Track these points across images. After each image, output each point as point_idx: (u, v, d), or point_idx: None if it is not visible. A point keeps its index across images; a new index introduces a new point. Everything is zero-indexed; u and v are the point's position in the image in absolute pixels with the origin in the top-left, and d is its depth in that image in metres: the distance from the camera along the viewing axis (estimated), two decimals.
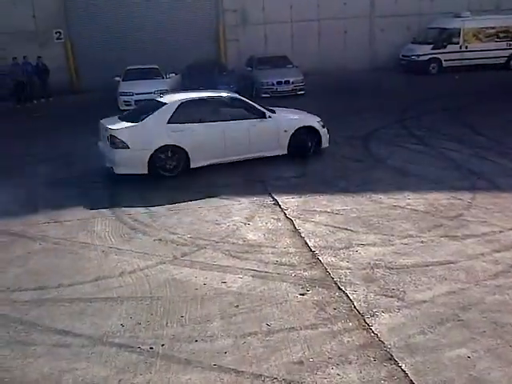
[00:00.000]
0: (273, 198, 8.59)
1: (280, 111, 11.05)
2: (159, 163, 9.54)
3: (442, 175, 9.56)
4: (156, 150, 9.42)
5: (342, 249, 6.69)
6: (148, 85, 17.42)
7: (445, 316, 5.22)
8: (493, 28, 23.34)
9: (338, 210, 7.99)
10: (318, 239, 6.98)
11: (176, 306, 5.55)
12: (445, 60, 22.79)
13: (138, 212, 8.27)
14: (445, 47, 22.86)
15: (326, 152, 11.15)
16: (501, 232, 7.10)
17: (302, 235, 7.11)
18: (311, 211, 7.97)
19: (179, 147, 9.58)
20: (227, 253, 6.68)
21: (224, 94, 10.82)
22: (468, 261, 6.33)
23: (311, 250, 6.66)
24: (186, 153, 9.65)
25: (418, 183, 9.12)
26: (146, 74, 18.29)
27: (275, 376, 4.44)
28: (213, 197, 8.76)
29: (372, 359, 4.63)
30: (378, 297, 5.59)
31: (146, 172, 9.47)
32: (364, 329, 5.06)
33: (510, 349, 4.71)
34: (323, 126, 10.94)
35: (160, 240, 7.20)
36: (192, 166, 9.79)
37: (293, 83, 18.81)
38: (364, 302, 5.48)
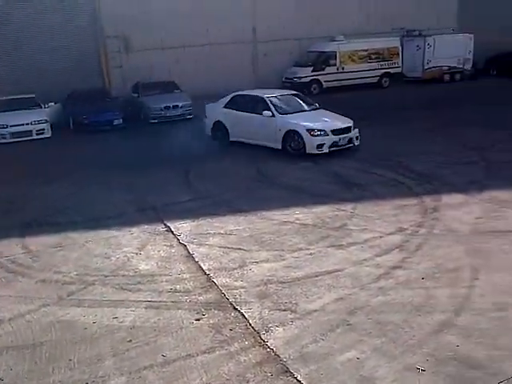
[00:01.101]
0: (165, 224, 8.53)
1: (310, 113, 13.62)
2: (214, 131, 14.64)
3: (328, 189, 10.07)
4: (215, 122, 14.57)
5: (236, 269, 6.80)
6: (24, 116, 16.66)
7: (335, 322, 5.48)
8: (365, 50, 25.16)
9: (231, 231, 8.12)
10: (212, 262, 7.04)
11: (63, 349, 5.26)
12: (324, 81, 24.15)
13: (17, 253, 7.77)
14: (323, 69, 24.23)
15: (225, 172, 11.46)
16: (381, 237, 7.60)
17: (196, 259, 7.13)
18: (205, 234, 8.03)
19: (223, 123, 14.31)
20: (118, 286, 6.50)
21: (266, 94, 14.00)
22: (353, 267, 6.71)
23: (206, 274, 6.70)
24: (227, 128, 14.19)
25: (306, 198, 9.52)
26: (21, 104, 17.35)
27: None
28: (102, 229, 8.52)
29: (269, 374, 4.72)
30: (272, 312, 5.73)
31: (210, 134, 14.83)
32: (260, 345, 5.16)
33: (394, 345, 5.04)
34: (319, 134, 12.41)
35: (43, 281, 6.78)
36: (230, 139, 14.16)
37: (181, 108, 18.91)
38: (259, 319, 5.60)
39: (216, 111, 14.65)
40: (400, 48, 25.86)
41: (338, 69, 24.49)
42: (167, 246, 7.68)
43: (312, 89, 23.91)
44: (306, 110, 13.64)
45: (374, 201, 9.20)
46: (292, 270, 6.72)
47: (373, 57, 25.36)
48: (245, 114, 13.71)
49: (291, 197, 9.72)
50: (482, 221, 8.10)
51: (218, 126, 14.47)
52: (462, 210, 8.57)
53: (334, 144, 12.50)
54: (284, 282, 6.39)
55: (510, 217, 8.23)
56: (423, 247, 7.22)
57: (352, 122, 12.95)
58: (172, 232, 8.19)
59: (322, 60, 24.35)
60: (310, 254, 7.17)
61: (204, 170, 11.97)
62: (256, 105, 13.54)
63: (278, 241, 7.67)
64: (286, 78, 24.64)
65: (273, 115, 13.04)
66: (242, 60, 25.18)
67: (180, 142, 13.87)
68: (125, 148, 14.78)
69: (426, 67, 25.98)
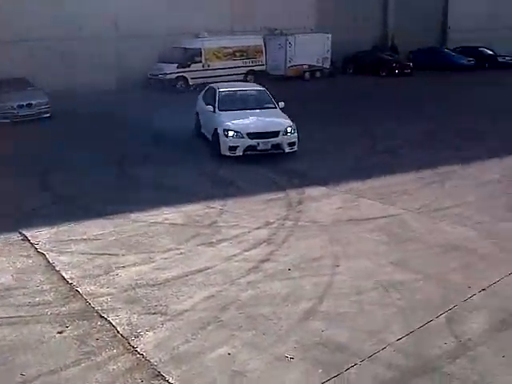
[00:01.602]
0: (20, 233, 7.83)
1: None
2: (196, 121, 14.51)
3: (197, 187, 10.03)
4: (196, 112, 14.53)
5: (102, 275, 6.50)
6: None
7: (206, 320, 5.48)
8: (230, 48, 25.48)
9: (96, 236, 7.75)
10: (75, 270, 6.64)
11: None
12: (191, 78, 24.02)
13: None
14: (189, 66, 24.10)
15: (86, 173, 10.84)
16: (249, 232, 7.76)
17: (57, 268, 6.69)
18: (66, 241, 7.55)
19: (198, 114, 14.24)
20: None
21: None
22: (223, 263, 6.76)
23: (68, 283, 6.31)
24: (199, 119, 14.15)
25: (175, 198, 9.38)
26: None
27: None
28: None
29: (139, 380, 4.59)
30: (141, 316, 5.57)
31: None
32: (129, 352, 4.99)
33: (264, 337, 5.16)
34: (233, 136, 11.68)
35: None
36: (201, 130, 13.81)
37: (36, 106, 17.57)
38: (128, 325, 5.41)
39: (198, 102, 14.39)
40: (263, 46, 26.58)
41: (203, 66, 24.50)
42: (24, 256, 7.08)
43: (178, 85, 23.71)
44: (256, 108, 12.76)
45: (242, 197, 9.35)
46: (162, 271, 6.59)
47: (237, 54, 25.75)
48: (205, 106, 13.24)
49: (159, 197, 9.51)
50: (341, 211, 8.61)
51: (197, 117, 14.23)
52: (323, 202, 9.05)
53: (250, 148, 11.60)
54: (153, 285, 6.24)
55: (363, 206, 8.84)
56: (289, 239, 7.49)
57: (288, 126, 11.90)
58: (29, 241, 7.55)
59: (188, 57, 24.20)
60: (180, 253, 7.10)
61: (64, 173, 11.19)
62: (213, 97, 13.14)
63: (146, 243, 7.48)
64: (151, 75, 24.14)
65: (214, 110, 12.60)
66: (104, 56, 24.19)
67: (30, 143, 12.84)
68: None
69: (288, 65, 27.01)
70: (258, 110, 12.66)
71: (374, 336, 5.12)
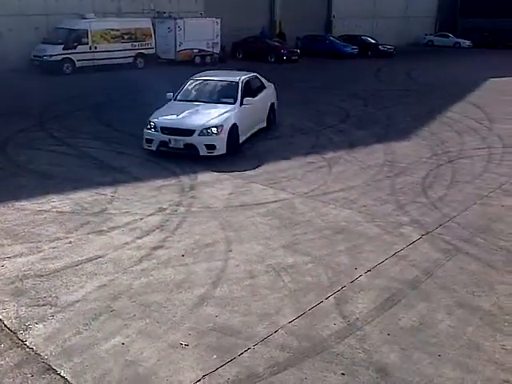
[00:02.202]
0: None
1: None
2: None
3: (85, 174, 9.69)
4: None
5: None
6: None
7: (98, 310, 5.38)
8: (117, 30, 24.58)
9: None
10: None
11: None
12: (77, 60, 22.90)
13: None
14: (75, 47, 22.94)
15: None
16: (141, 219, 7.68)
17: None
18: None
19: None
20: None
21: None
22: (115, 252, 6.65)
23: None
24: None
25: (62, 185, 9.02)
26: None
27: None
28: None
29: (29, 375, 4.44)
30: (29, 309, 5.36)
31: None
32: (18, 346, 4.80)
33: (158, 325, 5.18)
34: (150, 128, 10.87)
35: None
36: None
37: None
38: (15, 318, 5.19)
39: None
40: (152, 29, 26.00)
41: (90, 48, 23.45)
42: None
43: (64, 68, 22.53)
44: (211, 102, 11.61)
45: (133, 183, 9.19)
46: (50, 261, 6.35)
47: (125, 37, 24.93)
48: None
49: (46, 184, 9.08)
50: (233, 196, 8.78)
51: None
52: (215, 187, 9.16)
53: (163, 144, 10.59)
54: (42, 276, 6.00)
55: (255, 191, 9.07)
56: (182, 225, 7.53)
57: (212, 126, 10.55)
58: None
59: (73, 38, 22.98)
60: (70, 242, 6.87)
61: None
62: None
63: (33, 232, 7.14)
64: (35, 56, 22.66)
65: (171, 99, 12.03)
66: None
67: None
68: None
69: (178, 49, 26.69)
70: (210, 104, 11.52)
71: (267, 319, 5.29)
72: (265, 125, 13.00)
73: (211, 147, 10.49)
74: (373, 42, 35.54)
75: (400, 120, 14.96)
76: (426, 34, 45.84)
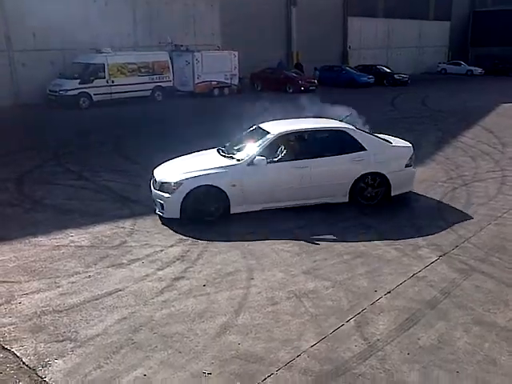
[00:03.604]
0: None
1: None
2: None
3: (103, 207, 9.69)
4: None
5: (3, 304, 6.09)
6: None
7: (119, 343, 5.30)
8: (134, 64, 25.07)
9: None
10: None
11: None
12: (94, 94, 23.32)
13: None
14: (92, 81, 23.38)
15: None
16: (162, 251, 7.62)
17: None
18: None
19: None
20: None
21: None
22: (135, 284, 6.58)
23: None
24: None
25: (80, 219, 9.00)
26: None
27: None
28: None
29: None
30: (48, 345, 5.29)
31: None
32: (36, 383, 4.70)
33: (180, 355, 5.09)
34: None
35: None
36: None
37: None
38: (34, 355, 5.12)
39: None
40: (170, 62, 26.46)
41: (107, 81, 23.92)
42: None
43: (81, 102, 22.95)
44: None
45: (153, 215, 9.08)
46: (69, 296, 6.28)
47: (143, 70, 25.40)
48: None
49: (63, 219, 9.05)
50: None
51: None
52: (235, 218, 9.03)
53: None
54: (61, 311, 5.94)
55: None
56: (203, 255, 7.44)
57: (167, 182, 8.65)
58: None
59: (90, 72, 23.51)
60: (89, 276, 6.81)
61: None
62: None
63: (50, 267, 7.09)
64: (51, 91, 23.17)
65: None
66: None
67: None
68: None
69: (196, 81, 27.07)
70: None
71: (289, 345, 5.22)
72: (343, 199, 9.31)
73: (162, 207, 8.73)
74: (388, 71, 35.96)
75: (416, 146, 14.82)
76: (439, 63, 46.32)
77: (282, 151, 8.99)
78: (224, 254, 7.46)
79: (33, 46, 23.73)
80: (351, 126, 9.72)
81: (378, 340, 5.32)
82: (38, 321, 5.73)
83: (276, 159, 8.87)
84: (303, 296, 6.20)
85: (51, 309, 5.99)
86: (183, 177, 8.59)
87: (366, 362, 4.96)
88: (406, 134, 16.37)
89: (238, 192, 8.65)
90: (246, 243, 7.82)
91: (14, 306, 6.04)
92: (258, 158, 8.69)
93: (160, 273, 6.90)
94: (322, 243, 7.80)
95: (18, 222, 8.88)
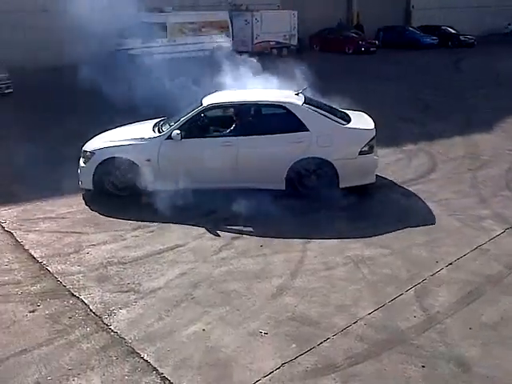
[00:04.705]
0: None
1: None
2: None
3: None
4: None
5: (72, 253, 6.44)
6: None
7: (179, 297, 5.50)
8: (194, 23, 25.06)
9: (64, 214, 7.61)
10: (44, 248, 6.55)
11: None
12: (156, 53, 23.54)
13: None
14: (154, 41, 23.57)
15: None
16: None
17: (26, 247, 6.58)
18: (34, 220, 7.41)
19: None
20: None
21: None
22: (194, 241, 6.76)
23: (38, 262, 6.22)
24: None
25: None
26: None
27: None
28: None
29: (114, 358, 4.60)
30: (114, 294, 5.56)
31: None
32: (103, 330, 4.98)
33: (238, 312, 5.23)
34: None
35: None
36: None
37: None
38: (100, 303, 5.39)
39: None
40: (229, 22, 26.26)
41: (169, 41, 24.10)
42: None
43: (145, 60, 23.21)
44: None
45: None
46: (133, 249, 6.55)
47: (203, 30, 25.39)
48: None
49: None
50: None
51: None
52: None
53: None
54: (125, 263, 6.22)
55: None
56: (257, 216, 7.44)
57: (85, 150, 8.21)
58: None
59: (153, 31, 23.66)
60: (151, 231, 7.04)
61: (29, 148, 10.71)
62: None
63: (114, 221, 7.34)
64: (117, 50, 23.52)
65: None
66: (69, 30, 23.31)
67: None
68: None
69: (255, 42, 26.81)
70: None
71: (345, 311, 5.23)
72: (279, 186, 7.89)
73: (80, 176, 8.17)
74: (453, 32, 34.10)
75: (481, 112, 14.21)
76: (508, 24, 43.21)
77: (208, 126, 8.18)
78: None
79: (98, 6, 24.01)
80: (297, 101, 8.09)
81: (438, 312, 5.20)
82: (104, 271, 6.03)
83: (194, 134, 7.92)
84: (360, 262, 6.17)
85: (116, 260, 6.28)
86: (99, 146, 8.09)
87: (424, 333, 4.87)
88: (471, 99, 15.78)
89: (154, 168, 7.79)
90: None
91: (82, 256, 6.37)
92: (174, 132, 7.75)
93: (218, 232, 7.02)
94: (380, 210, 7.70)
95: None
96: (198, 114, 8.03)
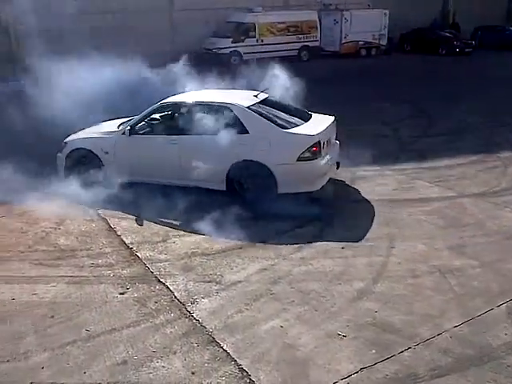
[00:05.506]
0: None
1: None
2: None
3: None
4: None
5: (160, 242, 6.73)
6: None
7: (259, 292, 5.59)
8: (283, 23, 25.23)
9: None
10: (134, 235, 6.90)
11: None
12: (244, 53, 23.99)
13: None
14: (243, 41, 24.06)
15: None
16: None
17: (118, 233, 6.97)
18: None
19: None
20: (37, 262, 6.23)
21: None
22: (275, 238, 6.79)
23: (129, 247, 6.57)
24: None
25: None
26: None
27: (99, 381, 4.31)
28: (16, 203, 7.88)
29: (195, 345, 4.76)
30: (197, 284, 5.75)
31: None
32: (186, 317, 5.17)
33: (316, 313, 5.23)
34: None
35: None
36: None
37: None
38: (184, 291, 5.60)
39: None
40: (318, 21, 26.18)
41: (257, 40, 24.43)
42: (87, 220, 7.41)
43: (232, 60, 23.75)
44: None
45: None
46: (215, 242, 6.73)
47: (291, 30, 25.49)
48: None
49: None
50: (397, 192, 8.49)
51: None
52: (377, 182, 8.93)
53: None
54: (208, 254, 6.41)
55: (420, 187, 8.68)
56: (342, 218, 7.45)
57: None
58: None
59: (242, 31, 24.16)
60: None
61: None
62: None
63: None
64: (206, 49, 24.25)
65: None
66: (158, 30, 24.35)
67: None
68: None
69: (343, 41, 26.56)
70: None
71: (430, 321, 5.06)
72: (220, 187, 7.94)
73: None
74: None
75: None
76: None
77: (158, 124, 8.28)
78: (364, 219, 7.38)
79: (191, 6, 24.85)
80: (243, 104, 8.00)
81: None
82: (188, 261, 6.26)
83: (142, 132, 8.30)
84: (448, 272, 5.94)
85: (200, 251, 6.48)
86: (72, 138, 8.80)
87: None
88: None
89: (111, 160, 8.35)
90: (387, 209, 7.69)
91: (169, 245, 6.65)
92: (126, 128, 8.29)
93: (298, 230, 7.06)
94: (471, 220, 7.40)
95: None
96: (150, 112, 8.38)
